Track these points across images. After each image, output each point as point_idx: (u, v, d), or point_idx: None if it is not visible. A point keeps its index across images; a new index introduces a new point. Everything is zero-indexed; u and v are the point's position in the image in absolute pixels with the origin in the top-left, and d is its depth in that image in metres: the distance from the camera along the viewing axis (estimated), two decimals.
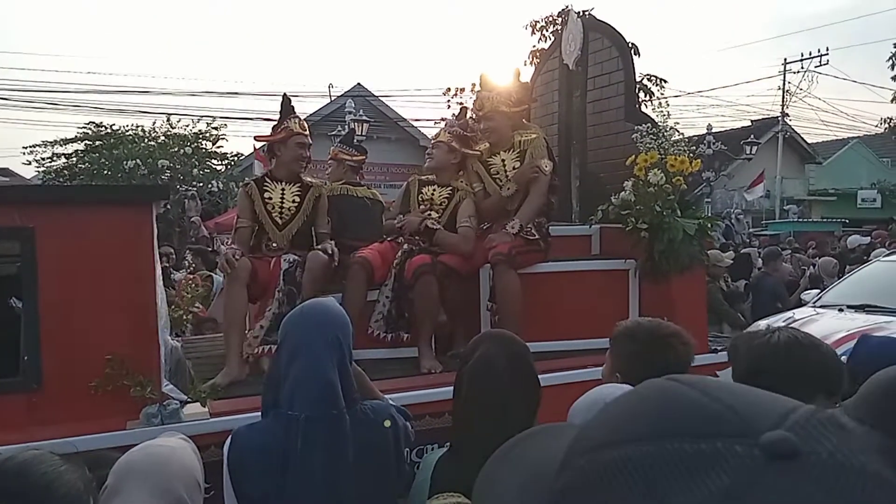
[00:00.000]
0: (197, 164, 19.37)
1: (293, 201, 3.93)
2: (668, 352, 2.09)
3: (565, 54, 4.85)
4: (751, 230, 20.98)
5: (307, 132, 3.96)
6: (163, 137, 20.04)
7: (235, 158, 21.02)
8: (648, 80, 20.36)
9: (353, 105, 18.02)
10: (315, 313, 1.98)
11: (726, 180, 22.95)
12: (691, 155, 3.95)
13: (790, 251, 14.05)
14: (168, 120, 20.38)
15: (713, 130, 21.44)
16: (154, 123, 20.58)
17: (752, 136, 21.88)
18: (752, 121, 27.21)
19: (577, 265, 4.12)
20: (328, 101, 22.13)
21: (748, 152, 21.08)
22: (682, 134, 4.04)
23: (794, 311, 7.28)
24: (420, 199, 4.10)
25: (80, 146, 23.10)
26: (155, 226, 3.09)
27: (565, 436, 0.62)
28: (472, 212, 3.98)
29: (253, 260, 3.71)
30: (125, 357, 2.89)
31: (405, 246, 3.96)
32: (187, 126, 20.36)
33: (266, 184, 3.95)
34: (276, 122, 4.07)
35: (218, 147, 20.68)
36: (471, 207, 4.00)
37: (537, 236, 3.94)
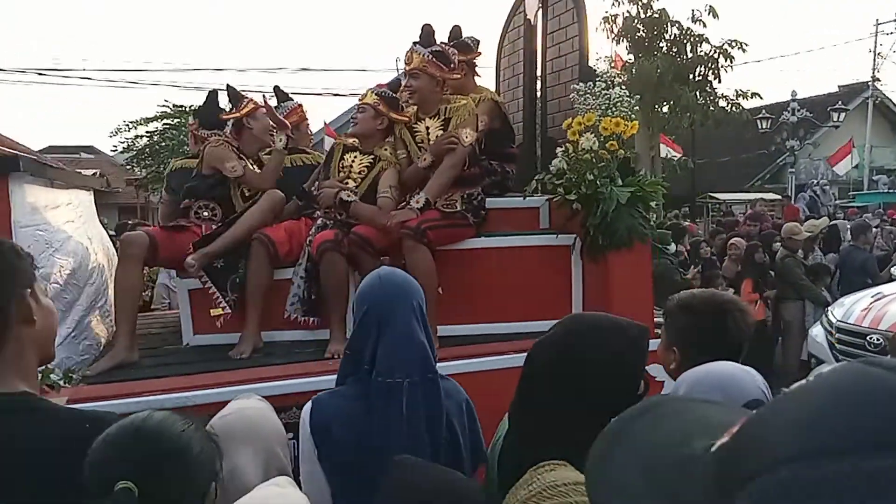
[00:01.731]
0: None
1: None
2: (727, 320, 2.02)
3: (528, 8, 4.41)
4: (837, 202, 19.62)
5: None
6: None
7: None
8: (730, 45, 19.13)
9: None
10: (395, 281, 1.96)
11: (811, 149, 21.49)
12: (631, 116, 3.47)
13: (879, 223, 13.12)
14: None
15: (797, 97, 20.05)
16: None
17: (839, 103, 20.30)
18: (839, 86, 25.31)
19: (513, 241, 3.75)
20: (396, 75, 22.06)
21: (835, 119, 19.58)
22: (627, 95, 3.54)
23: (883, 287, 6.73)
24: (340, 166, 3.81)
25: (160, 125, 23.93)
26: (13, 200, 2.92)
27: (683, 414, 0.61)
28: (392, 182, 3.67)
29: (171, 232, 3.57)
30: None
31: (319, 221, 3.69)
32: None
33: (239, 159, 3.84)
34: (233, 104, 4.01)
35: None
36: (392, 177, 3.69)
37: (459, 209, 3.58)
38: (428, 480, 1.59)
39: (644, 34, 18.71)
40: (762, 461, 0.44)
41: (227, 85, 4.09)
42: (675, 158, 20.24)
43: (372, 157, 3.78)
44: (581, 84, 3.63)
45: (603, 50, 18.60)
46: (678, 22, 18.60)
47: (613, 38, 18.91)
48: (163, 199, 4.43)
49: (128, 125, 25.05)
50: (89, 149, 30.08)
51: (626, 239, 3.39)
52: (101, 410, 1.60)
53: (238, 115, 3.89)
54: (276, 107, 4.48)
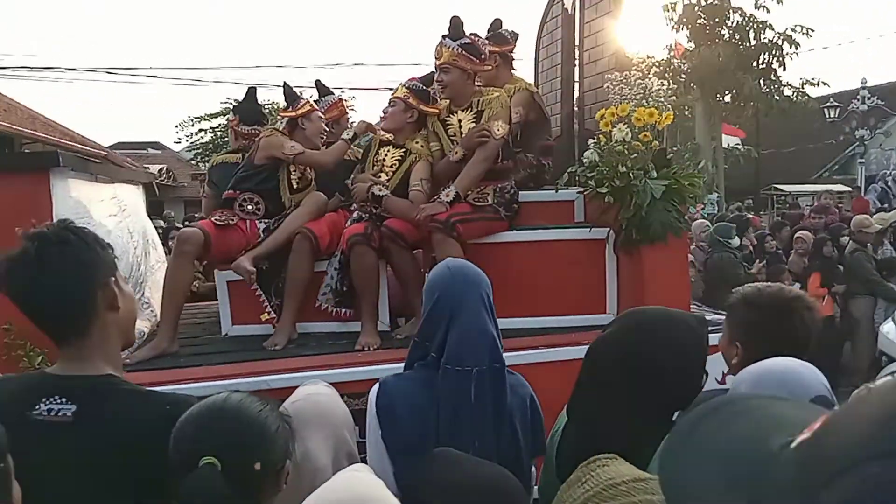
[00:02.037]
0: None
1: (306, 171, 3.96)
2: (793, 318, 1.97)
3: None
4: None
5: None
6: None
7: None
8: (795, 31, 18.47)
9: None
10: (465, 272, 2.00)
11: (882, 139, 20.61)
12: (666, 106, 3.38)
13: None
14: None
15: (867, 84, 19.26)
16: None
17: None
18: None
19: (546, 234, 3.70)
20: None
21: None
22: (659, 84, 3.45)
23: None
24: (374, 160, 3.83)
25: (223, 120, 24.51)
26: (55, 194, 3.03)
27: (757, 411, 0.62)
28: (424, 175, 3.67)
29: (221, 228, 3.63)
30: (23, 327, 2.86)
31: (354, 214, 3.73)
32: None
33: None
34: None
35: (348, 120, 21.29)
36: (423, 170, 3.69)
37: (491, 202, 3.55)
38: (470, 475, 1.61)
39: (705, 21, 18.31)
40: (849, 458, 0.44)
41: (284, 83, 4.15)
42: (739, 148, 19.69)
43: (403, 150, 3.78)
44: (616, 73, 3.56)
45: (663, 39, 18.22)
46: (740, 9, 18.15)
47: (674, 27, 18.56)
48: (205, 193, 4.53)
49: (192, 120, 25.61)
50: (156, 144, 31.02)
51: (660, 233, 3.31)
52: (181, 393, 1.69)
53: (294, 114, 3.92)
54: (316, 100, 4.52)
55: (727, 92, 18.80)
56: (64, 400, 1.48)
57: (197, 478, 1.29)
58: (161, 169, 21.84)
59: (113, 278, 1.58)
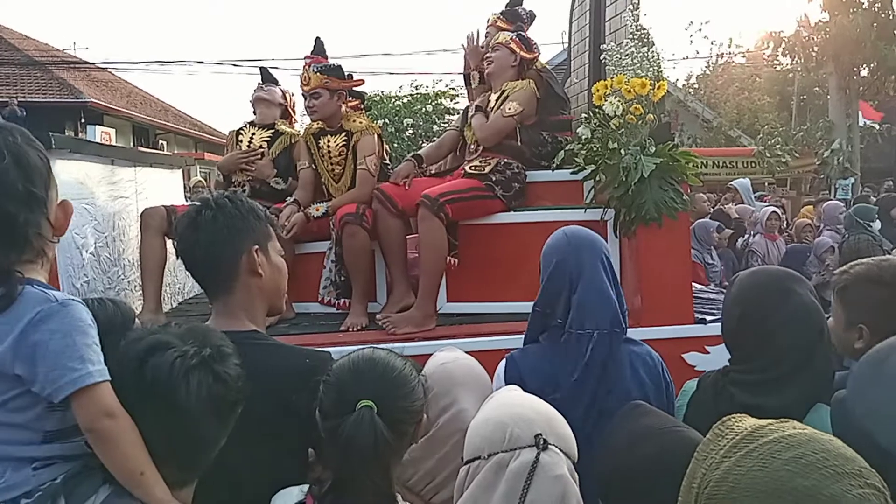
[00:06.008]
0: (437, 120, 20.21)
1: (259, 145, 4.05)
2: None
3: None
4: None
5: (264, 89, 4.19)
6: (408, 97, 21.18)
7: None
8: None
9: None
10: (581, 236, 2.05)
11: None
12: (660, 73, 3.09)
13: None
14: (412, 84, 21.61)
15: None
16: (400, 88, 21.94)
17: None
18: None
19: (544, 216, 3.50)
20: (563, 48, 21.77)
21: None
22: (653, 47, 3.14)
23: None
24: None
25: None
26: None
27: None
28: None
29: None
30: None
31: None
32: (425, 86, 21.42)
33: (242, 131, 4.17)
34: None
35: (455, 103, 21.40)
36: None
37: (487, 172, 3.44)
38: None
39: None
40: None
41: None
42: (876, 126, 18.10)
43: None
44: (612, 44, 3.30)
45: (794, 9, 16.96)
46: None
47: None
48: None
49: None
50: None
51: (653, 214, 3.05)
52: (318, 349, 1.85)
53: None
54: None
55: (864, 65, 17.28)
56: None
57: (358, 418, 1.39)
58: None
59: (257, 246, 1.75)
